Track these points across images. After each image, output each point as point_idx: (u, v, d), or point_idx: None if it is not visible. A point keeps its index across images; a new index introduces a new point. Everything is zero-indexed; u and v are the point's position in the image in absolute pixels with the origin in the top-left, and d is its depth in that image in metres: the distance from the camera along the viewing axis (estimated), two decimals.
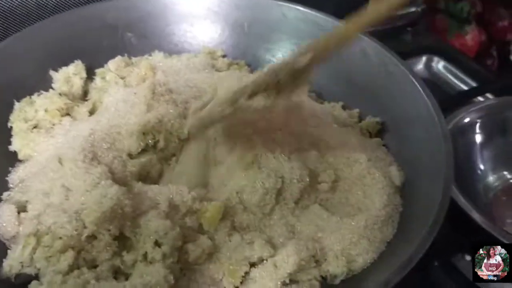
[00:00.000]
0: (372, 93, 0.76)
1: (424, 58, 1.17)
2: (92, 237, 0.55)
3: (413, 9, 1.26)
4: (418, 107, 0.68)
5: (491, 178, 0.85)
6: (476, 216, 0.70)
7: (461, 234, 0.76)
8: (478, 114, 0.86)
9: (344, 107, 0.78)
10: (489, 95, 1.00)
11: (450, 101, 0.98)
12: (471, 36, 1.30)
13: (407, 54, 1.13)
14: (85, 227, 0.54)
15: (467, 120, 0.85)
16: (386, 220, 0.60)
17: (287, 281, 0.55)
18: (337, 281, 0.57)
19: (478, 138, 0.86)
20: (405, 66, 0.73)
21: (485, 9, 1.32)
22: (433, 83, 1.12)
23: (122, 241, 0.56)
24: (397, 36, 1.24)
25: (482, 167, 0.85)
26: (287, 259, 0.55)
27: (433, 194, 0.58)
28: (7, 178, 0.65)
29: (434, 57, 1.16)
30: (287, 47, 0.85)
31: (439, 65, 1.16)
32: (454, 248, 0.76)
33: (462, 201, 0.71)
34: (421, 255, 0.51)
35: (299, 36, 0.83)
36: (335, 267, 0.57)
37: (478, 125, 0.86)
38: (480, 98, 0.98)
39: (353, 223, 0.59)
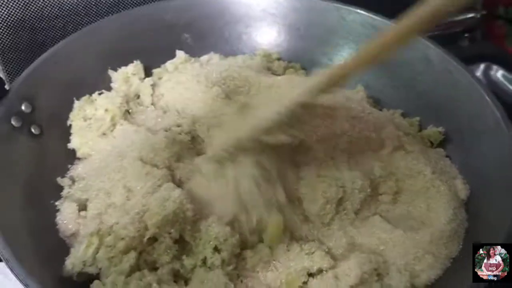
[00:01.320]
0: (434, 101, 0.73)
1: (482, 66, 1.12)
2: (153, 239, 0.54)
3: (471, 15, 1.22)
4: (485, 118, 0.65)
5: None
6: None
7: None
8: None
9: (403, 115, 0.76)
10: None
11: (509, 111, 0.94)
12: None
13: (464, 62, 1.11)
14: (147, 229, 0.54)
15: None
16: (452, 236, 0.58)
17: None
18: None
19: None
20: (471, 74, 0.70)
21: None
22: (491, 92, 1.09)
23: (182, 245, 0.56)
24: (454, 43, 1.21)
25: None
26: (349, 272, 0.54)
27: (503, 208, 0.55)
28: (66, 175, 0.65)
29: (492, 65, 1.12)
30: (345, 51, 0.83)
31: (498, 73, 1.11)
32: None
33: None
34: None
35: (358, 40, 0.81)
36: (398, 282, 0.55)
37: None
38: None
39: (417, 237, 0.57)
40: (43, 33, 0.87)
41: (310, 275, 0.56)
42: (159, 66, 0.80)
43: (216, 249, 0.55)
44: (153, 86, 0.76)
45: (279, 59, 0.85)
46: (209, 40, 0.84)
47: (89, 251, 0.53)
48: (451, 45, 1.19)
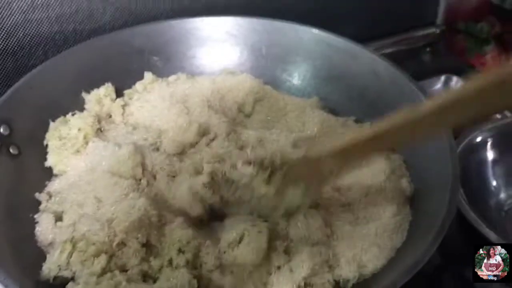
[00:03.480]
0: (383, 109, 0.78)
1: (442, 78, 1.19)
2: (122, 244, 0.60)
3: (432, 30, 1.29)
4: None
5: (503, 195, 0.86)
6: (486, 231, 0.72)
7: (473, 249, 0.78)
8: (492, 132, 0.88)
9: (356, 121, 0.82)
10: (507, 113, 1.01)
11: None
12: (490, 56, 1.31)
13: (426, 74, 1.17)
14: (115, 235, 0.59)
15: (480, 138, 0.87)
16: (396, 229, 0.63)
17: (302, 284, 0.58)
18: (349, 285, 0.60)
19: (491, 155, 0.87)
20: (414, 85, 0.76)
21: (504, 29, 1.34)
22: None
23: (150, 248, 0.61)
24: (416, 57, 1.28)
25: (494, 184, 0.87)
26: (301, 264, 0.58)
27: (440, 204, 0.60)
28: (44, 191, 0.70)
29: (453, 76, 1.19)
30: (303, 67, 0.90)
31: (458, 84, 1.18)
32: (465, 261, 0.78)
33: (472, 216, 0.73)
34: (426, 260, 0.54)
35: (314, 56, 0.88)
36: (347, 272, 0.60)
37: (491, 142, 0.87)
38: (498, 116, 0.99)
39: (364, 231, 0.63)
40: (25, 60, 0.92)
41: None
42: (130, 87, 0.85)
43: (180, 251, 0.60)
44: (124, 106, 0.81)
45: None
46: (176, 62, 0.90)
47: (63, 256, 0.58)
48: (414, 59, 1.27)
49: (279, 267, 0.60)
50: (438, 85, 1.19)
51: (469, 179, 0.80)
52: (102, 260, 0.58)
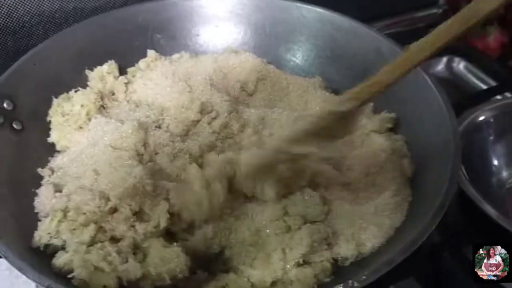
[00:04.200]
0: (386, 90, 0.79)
1: (445, 59, 1.19)
2: (115, 210, 0.61)
3: (434, 10, 1.28)
4: (430, 103, 0.71)
5: (504, 174, 0.87)
6: (487, 208, 0.72)
7: (474, 227, 0.78)
8: (494, 112, 0.88)
9: None
10: (508, 94, 1.01)
11: (470, 100, 1.00)
12: (493, 37, 1.30)
13: None
14: (109, 200, 0.60)
15: (482, 117, 0.87)
16: (395, 208, 0.64)
17: (301, 261, 0.59)
18: (347, 263, 0.61)
19: (493, 135, 0.88)
20: None
21: (507, 11, 1.33)
22: (453, 82, 1.14)
23: (140, 216, 0.62)
24: (418, 37, 1.27)
25: (496, 163, 0.87)
26: (300, 241, 0.59)
27: (441, 182, 0.61)
28: (46, 167, 0.71)
29: (455, 57, 1.18)
30: (306, 46, 0.89)
31: (460, 65, 1.17)
32: (465, 240, 0.79)
33: (473, 193, 0.74)
34: (424, 238, 0.54)
35: (317, 35, 0.88)
36: (346, 250, 0.61)
37: (492, 122, 0.88)
38: (499, 97, 1.00)
39: (363, 210, 0.64)
40: (25, 39, 0.92)
41: None
42: (133, 65, 0.86)
43: (172, 215, 0.61)
44: (127, 83, 0.82)
45: None
46: (180, 40, 0.90)
47: (53, 224, 0.59)
48: (416, 40, 1.26)
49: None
50: (441, 66, 1.18)
51: (471, 158, 0.80)
52: (91, 229, 0.59)
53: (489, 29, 1.29)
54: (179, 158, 0.69)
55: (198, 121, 0.76)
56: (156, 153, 0.70)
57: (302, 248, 0.58)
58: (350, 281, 0.51)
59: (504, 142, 0.88)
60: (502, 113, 0.88)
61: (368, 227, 0.62)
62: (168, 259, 0.57)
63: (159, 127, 0.74)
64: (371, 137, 0.75)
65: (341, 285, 0.51)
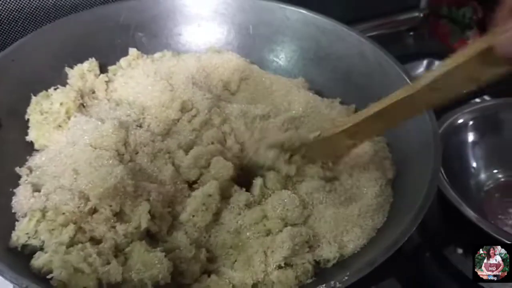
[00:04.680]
0: (368, 91, 0.79)
1: (425, 62, 1.20)
2: (94, 210, 0.60)
3: (416, 14, 1.30)
4: None
5: (483, 176, 0.89)
6: (466, 210, 0.73)
7: (453, 229, 0.80)
8: (473, 115, 0.90)
9: (342, 103, 0.82)
10: (486, 97, 1.03)
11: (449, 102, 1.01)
12: (473, 41, 1.33)
13: (408, 58, 1.18)
14: (88, 200, 0.59)
15: (461, 120, 0.89)
16: (378, 209, 0.64)
17: (283, 264, 0.59)
18: (329, 265, 0.61)
19: (471, 137, 0.89)
20: (400, 68, 0.76)
21: (485, 15, 1.35)
22: None
23: (121, 217, 0.61)
24: (400, 41, 1.28)
25: (474, 165, 0.89)
26: (282, 244, 0.59)
27: (421, 184, 0.61)
28: (24, 166, 0.69)
29: (435, 60, 1.20)
30: (289, 48, 0.90)
31: None
32: (446, 241, 0.80)
33: (452, 195, 0.75)
34: (405, 239, 0.55)
35: (301, 37, 0.88)
36: (328, 253, 0.61)
37: (471, 125, 0.89)
38: (478, 100, 1.01)
39: (347, 212, 0.64)
40: (3, 35, 0.90)
41: None
42: (114, 64, 0.84)
43: (153, 217, 0.60)
44: (108, 81, 0.80)
45: None
46: (162, 39, 0.89)
47: (31, 223, 0.58)
48: (397, 43, 1.28)
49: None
50: (421, 69, 1.20)
51: (450, 160, 0.81)
52: (70, 229, 0.58)
53: (468, 33, 1.31)
54: (159, 158, 0.69)
55: (178, 120, 0.75)
56: (137, 153, 0.69)
57: (284, 251, 0.58)
58: (332, 282, 0.51)
59: (483, 145, 0.89)
60: (481, 116, 0.90)
61: (352, 229, 0.62)
62: (151, 264, 0.56)
63: (140, 126, 0.73)
64: None
65: (323, 285, 0.51)
